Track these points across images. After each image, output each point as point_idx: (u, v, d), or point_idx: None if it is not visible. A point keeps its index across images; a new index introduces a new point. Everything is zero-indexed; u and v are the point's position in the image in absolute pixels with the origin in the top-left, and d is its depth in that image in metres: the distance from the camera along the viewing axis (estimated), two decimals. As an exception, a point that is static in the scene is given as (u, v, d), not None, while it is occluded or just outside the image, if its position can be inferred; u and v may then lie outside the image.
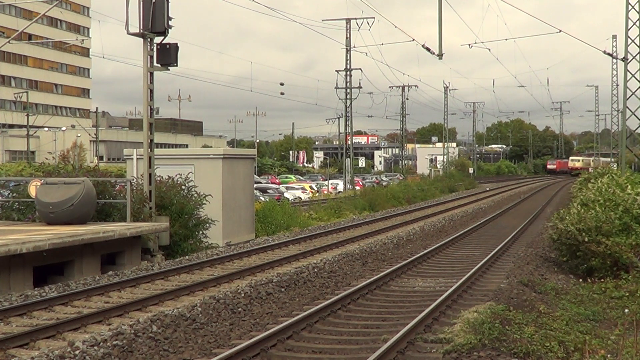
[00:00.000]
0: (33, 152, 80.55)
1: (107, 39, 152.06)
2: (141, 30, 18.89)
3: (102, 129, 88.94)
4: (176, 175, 20.56)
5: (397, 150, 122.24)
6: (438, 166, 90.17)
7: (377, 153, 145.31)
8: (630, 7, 32.35)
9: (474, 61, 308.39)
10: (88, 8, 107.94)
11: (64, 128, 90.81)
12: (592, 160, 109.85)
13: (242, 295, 12.95)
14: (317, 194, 51.16)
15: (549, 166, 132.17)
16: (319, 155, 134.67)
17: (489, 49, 43.59)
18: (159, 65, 19.37)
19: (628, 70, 32.78)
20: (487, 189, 66.86)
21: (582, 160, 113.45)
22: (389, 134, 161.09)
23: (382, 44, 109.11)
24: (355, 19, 51.19)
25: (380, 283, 14.85)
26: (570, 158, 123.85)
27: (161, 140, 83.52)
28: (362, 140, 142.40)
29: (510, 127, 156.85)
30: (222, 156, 23.09)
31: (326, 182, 59.68)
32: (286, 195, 43.65)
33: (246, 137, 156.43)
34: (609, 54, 39.54)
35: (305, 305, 12.69)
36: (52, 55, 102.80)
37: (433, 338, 10.18)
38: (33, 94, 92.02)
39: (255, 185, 31.11)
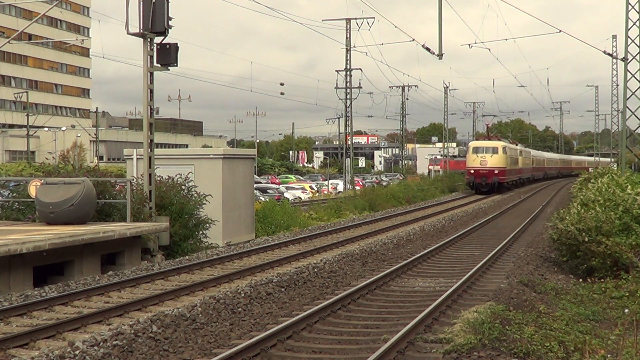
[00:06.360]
0: (33, 152, 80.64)
1: (107, 39, 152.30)
2: (141, 30, 18.89)
3: (102, 129, 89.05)
4: (176, 176, 20.56)
5: (397, 150, 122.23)
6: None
7: (377, 153, 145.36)
8: (630, 7, 32.36)
9: (474, 61, 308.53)
10: (88, 8, 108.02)
11: (64, 128, 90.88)
12: (522, 154, 62.85)
13: (242, 295, 12.95)
14: (317, 194, 51.15)
15: (430, 167, 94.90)
16: (319, 155, 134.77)
17: (489, 49, 43.52)
18: (159, 65, 19.37)
19: (628, 70, 32.80)
20: (487, 189, 66.69)
21: (506, 152, 54.03)
22: (389, 134, 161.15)
23: (382, 44, 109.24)
24: (355, 19, 51.18)
25: (380, 283, 14.85)
26: (472, 145, 56.59)
27: (161, 140, 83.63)
28: (362, 140, 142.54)
29: (511, 127, 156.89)
30: (222, 156, 23.08)
31: (326, 182, 59.69)
32: (286, 195, 43.63)
33: (246, 137, 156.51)
34: (609, 54, 39.56)
35: (305, 305, 12.68)
36: (52, 55, 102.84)
37: (433, 338, 10.18)
38: (33, 94, 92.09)
39: (255, 185, 31.10)
